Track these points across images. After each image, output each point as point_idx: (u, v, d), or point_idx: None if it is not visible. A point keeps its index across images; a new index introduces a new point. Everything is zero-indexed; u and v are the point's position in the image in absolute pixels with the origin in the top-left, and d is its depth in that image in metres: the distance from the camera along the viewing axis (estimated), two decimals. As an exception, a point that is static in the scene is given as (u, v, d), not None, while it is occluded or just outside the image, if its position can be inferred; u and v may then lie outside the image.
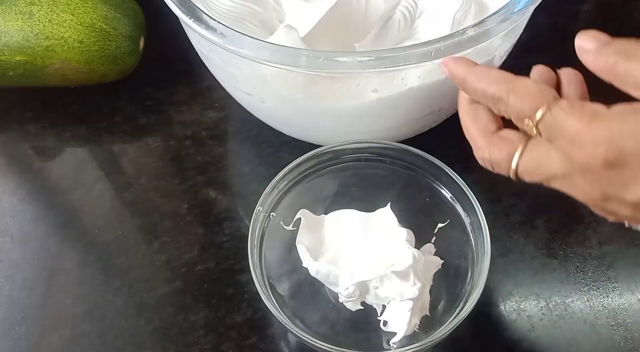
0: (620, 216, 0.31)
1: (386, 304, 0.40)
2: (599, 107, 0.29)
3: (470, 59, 0.34)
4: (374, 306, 0.41)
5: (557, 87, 0.33)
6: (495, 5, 0.42)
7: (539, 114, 0.30)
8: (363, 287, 0.40)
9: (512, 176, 0.32)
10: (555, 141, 0.30)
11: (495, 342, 0.42)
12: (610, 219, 0.32)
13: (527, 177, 0.32)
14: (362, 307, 0.40)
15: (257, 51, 0.38)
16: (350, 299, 0.40)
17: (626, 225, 0.32)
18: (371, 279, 0.39)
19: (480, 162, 0.33)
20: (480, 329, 0.42)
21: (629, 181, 0.28)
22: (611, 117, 0.28)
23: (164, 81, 0.57)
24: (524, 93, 0.31)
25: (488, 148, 0.32)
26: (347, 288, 0.39)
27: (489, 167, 0.33)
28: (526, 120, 0.31)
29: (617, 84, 0.30)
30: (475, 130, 0.33)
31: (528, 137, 0.31)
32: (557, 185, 0.31)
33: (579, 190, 0.30)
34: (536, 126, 0.30)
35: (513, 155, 0.31)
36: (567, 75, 0.33)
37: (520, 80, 0.32)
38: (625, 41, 0.30)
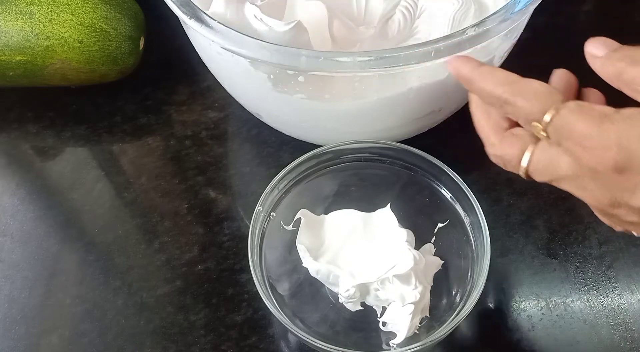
0: (627, 221, 0.30)
1: (386, 306, 0.40)
2: (607, 109, 0.29)
3: (475, 59, 0.34)
4: (374, 307, 0.41)
5: (577, 91, 0.33)
6: (495, 5, 0.42)
7: (547, 117, 0.29)
8: (364, 288, 0.40)
9: (522, 174, 0.32)
10: (564, 143, 0.29)
11: (495, 342, 0.42)
12: (617, 228, 0.32)
13: (537, 177, 0.31)
14: (362, 308, 0.40)
15: (257, 51, 0.38)
16: (351, 300, 0.40)
17: (635, 234, 0.32)
18: (372, 282, 0.39)
19: (491, 158, 0.33)
20: (480, 329, 0.42)
21: (637, 186, 0.28)
22: (621, 120, 0.28)
23: (164, 81, 0.57)
24: (531, 95, 0.30)
25: (500, 145, 0.32)
26: (347, 290, 0.39)
27: (500, 165, 0.33)
28: (534, 124, 0.30)
29: (626, 90, 0.30)
30: (488, 127, 0.33)
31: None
32: (566, 187, 0.31)
33: (588, 193, 0.30)
34: (545, 129, 0.30)
35: (524, 154, 0.31)
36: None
37: (527, 82, 0.31)
38: (633, 48, 0.30)
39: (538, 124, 0.30)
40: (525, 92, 0.31)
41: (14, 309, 0.44)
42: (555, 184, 0.31)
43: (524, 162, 0.31)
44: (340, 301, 0.40)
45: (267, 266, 0.41)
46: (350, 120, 0.45)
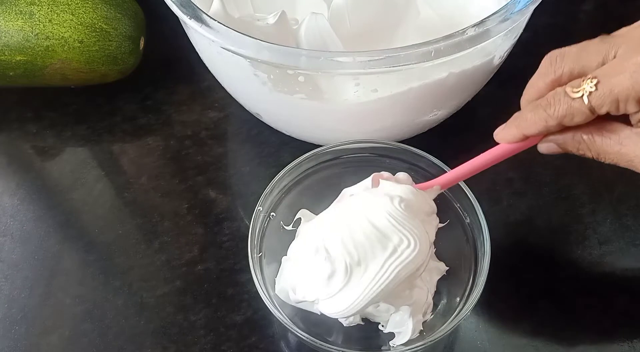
0: None
1: (389, 318, 0.40)
2: None
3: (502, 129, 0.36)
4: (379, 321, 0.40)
5: None
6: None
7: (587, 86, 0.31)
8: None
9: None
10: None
11: (495, 342, 0.42)
12: None
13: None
14: (362, 323, 0.40)
15: (257, 51, 0.38)
16: (352, 324, 0.40)
17: None
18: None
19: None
20: (480, 329, 0.42)
21: None
22: None
23: (164, 81, 0.57)
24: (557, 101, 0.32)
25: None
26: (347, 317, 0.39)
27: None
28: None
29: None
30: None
31: None
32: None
33: None
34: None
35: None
36: None
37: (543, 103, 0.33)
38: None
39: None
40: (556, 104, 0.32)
41: (14, 309, 0.44)
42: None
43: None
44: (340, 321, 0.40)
45: (267, 266, 0.41)
46: (350, 120, 0.45)
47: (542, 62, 0.34)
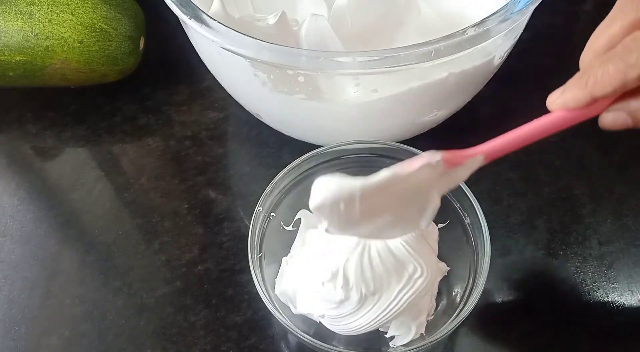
0: None
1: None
2: None
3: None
4: (380, 329, 0.40)
5: None
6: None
7: None
8: None
9: None
10: None
11: (495, 343, 0.42)
12: None
13: None
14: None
15: (257, 51, 0.38)
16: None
17: None
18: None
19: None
20: (480, 329, 0.42)
21: None
22: None
23: (164, 81, 0.57)
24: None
25: None
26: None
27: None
28: None
29: None
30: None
31: None
32: None
33: None
34: None
35: None
36: None
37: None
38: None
39: None
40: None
41: (14, 309, 0.44)
42: None
43: None
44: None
45: (267, 266, 0.41)
46: (350, 121, 0.45)
47: (618, 2, 0.28)
